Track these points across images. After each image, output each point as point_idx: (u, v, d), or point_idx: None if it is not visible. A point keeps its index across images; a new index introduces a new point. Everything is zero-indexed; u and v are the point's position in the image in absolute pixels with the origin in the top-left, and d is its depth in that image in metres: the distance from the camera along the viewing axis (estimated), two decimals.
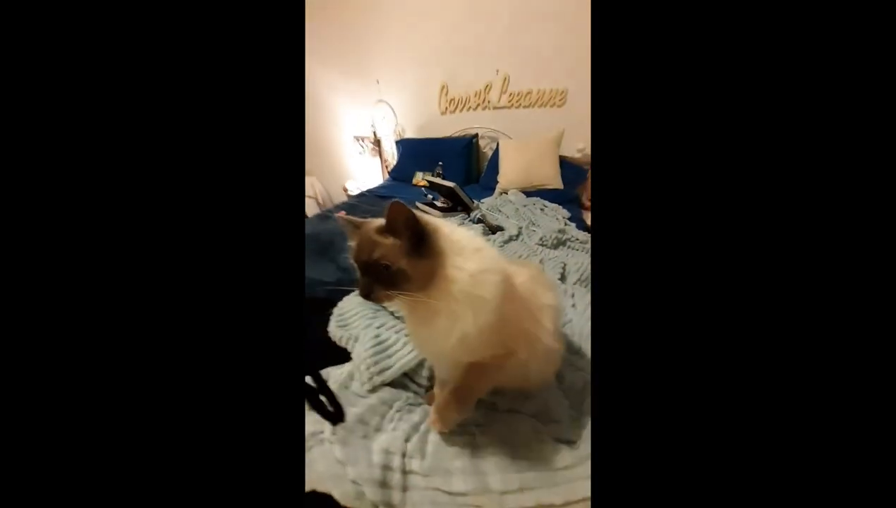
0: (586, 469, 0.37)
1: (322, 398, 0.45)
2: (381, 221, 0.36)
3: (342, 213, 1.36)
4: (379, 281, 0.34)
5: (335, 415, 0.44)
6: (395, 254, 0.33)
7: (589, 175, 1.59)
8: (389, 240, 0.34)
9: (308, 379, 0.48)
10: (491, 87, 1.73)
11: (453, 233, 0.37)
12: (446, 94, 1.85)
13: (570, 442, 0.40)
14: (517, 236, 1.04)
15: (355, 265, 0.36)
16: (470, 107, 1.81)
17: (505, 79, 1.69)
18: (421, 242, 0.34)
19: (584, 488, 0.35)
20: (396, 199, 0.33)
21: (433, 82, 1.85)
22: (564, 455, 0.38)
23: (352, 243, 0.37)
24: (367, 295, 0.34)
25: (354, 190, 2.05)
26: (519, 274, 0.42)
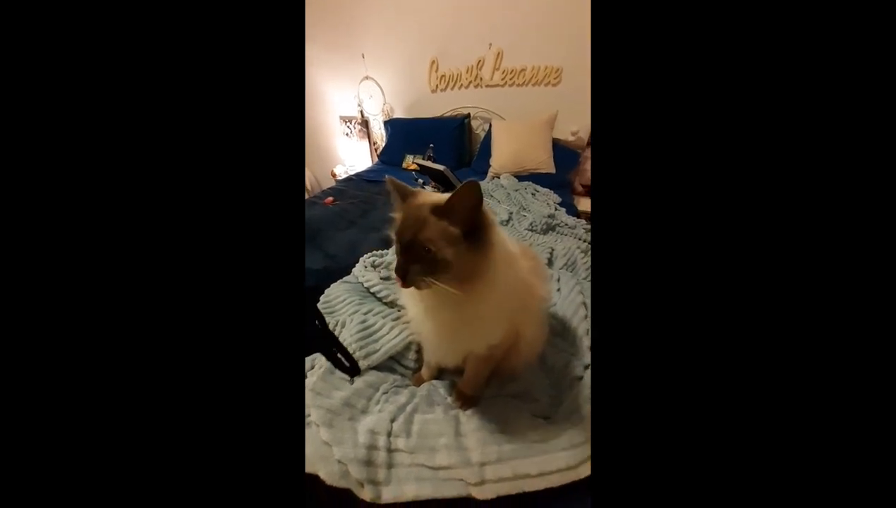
0: (560, 441, 0.39)
1: (338, 355, 0.48)
2: (437, 197, 0.33)
3: (329, 199, 1.32)
4: (419, 263, 0.31)
5: (351, 369, 0.46)
6: (447, 240, 0.30)
7: (581, 159, 1.57)
8: (443, 224, 0.30)
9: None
10: (483, 63, 1.64)
11: (501, 233, 0.35)
12: (437, 70, 1.75)
13: (546, 418, 0.42)
14: (507, 221, 1.03)
15: (395, 239, 0.32)
16: (461, 85, 1.73)
17: (498, 54, 1.60)
18: (476, 234, 0.31)
19: (556, 459, 0.37)
20: (473, 179, 0.30)
21: (423, 57, 1.74)
22: (540, 430, 0.40)
23: (396, 215, 0.33)
24: (403, 276, 0.31)
25: (343, 175, 1.98)
26: (523, 267, 0.41)
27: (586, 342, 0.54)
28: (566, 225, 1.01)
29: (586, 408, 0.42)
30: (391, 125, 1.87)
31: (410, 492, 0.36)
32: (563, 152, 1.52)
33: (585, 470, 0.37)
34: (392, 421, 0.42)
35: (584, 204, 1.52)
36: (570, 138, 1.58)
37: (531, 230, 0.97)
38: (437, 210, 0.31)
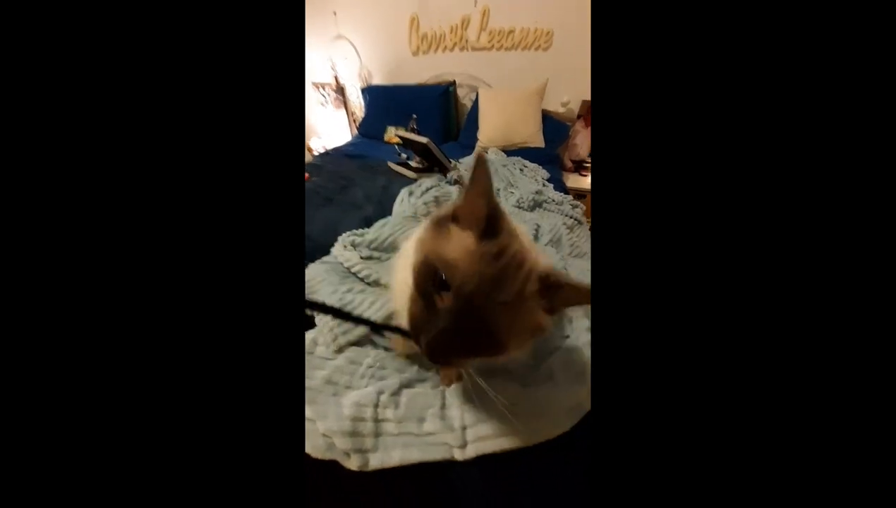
0: (537, 402, 0.41)
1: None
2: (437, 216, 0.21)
3: (306, 175, 1.23)
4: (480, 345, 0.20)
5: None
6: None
7: (571, 133, 1.53)
8: (467, 236, 0.20)
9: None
10: (469, 22, 1.50)
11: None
12: (417, 30, 1.58)
13: (525, 386, 0.44)
14: None
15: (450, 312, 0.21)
16: (445, 47, 1.59)
17: (484, 12, 1.46)
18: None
19: (533, 417, 0.40)
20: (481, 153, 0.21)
21: (401, 14, 1.56)
22: (515, 393, 0.42)
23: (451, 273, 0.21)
24: (446, 359, 0.20)
25: (321, 149, 1.84)
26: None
27: (567, 314, 0.55)
28: (553, 201, 1.00)
29: (561, 374, 0.45)
30: (369, 93, 1.72)
31: (397, 457, 0.37)
32: (552, 125, 1.47)
33: (560, 428, 0.40)
34: (380, 394, 0.43)
35: (574, 180, 1.51)
36: (561, 109, 1.53)
37: (518, 207, 0.96)
38: (448, 217, 0.21)
